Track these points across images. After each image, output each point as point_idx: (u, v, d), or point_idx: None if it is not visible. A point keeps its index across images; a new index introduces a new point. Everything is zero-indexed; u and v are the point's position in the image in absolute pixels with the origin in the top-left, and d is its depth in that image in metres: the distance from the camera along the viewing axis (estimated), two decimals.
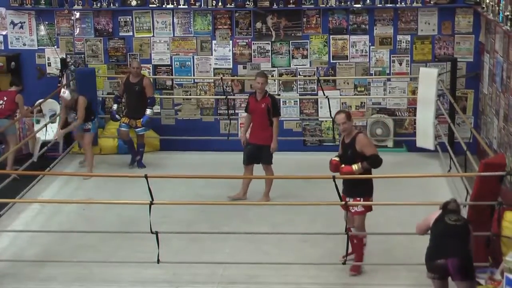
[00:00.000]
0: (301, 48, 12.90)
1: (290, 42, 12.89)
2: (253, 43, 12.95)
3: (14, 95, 11.94)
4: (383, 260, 8.59)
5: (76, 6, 12.92)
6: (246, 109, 10.70)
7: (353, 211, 8.25)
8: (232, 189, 10.50)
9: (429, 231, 7.30)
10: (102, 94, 13.19)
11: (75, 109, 11.59)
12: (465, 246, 7.00)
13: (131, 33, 13.07)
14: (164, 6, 12.85)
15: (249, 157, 10.47)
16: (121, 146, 12.80)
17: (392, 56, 12.80)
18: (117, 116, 12.21)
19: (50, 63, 13.18)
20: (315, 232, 9.11)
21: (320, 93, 12.72)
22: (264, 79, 10.39)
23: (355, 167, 8.19)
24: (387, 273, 8.36)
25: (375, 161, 8.25)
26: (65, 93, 11.49)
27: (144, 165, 12.08)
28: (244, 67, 13.03)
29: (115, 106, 12.24)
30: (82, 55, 13.18)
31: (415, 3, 12.50)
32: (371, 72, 12.87)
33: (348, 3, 12.61)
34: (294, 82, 13.01)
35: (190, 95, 13.21)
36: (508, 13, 9.58)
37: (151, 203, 8.05)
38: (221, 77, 12.90)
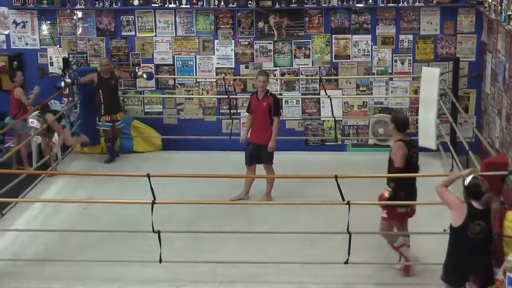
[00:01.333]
0: (303, 48, 12.88)
1: (292, 41, 12.87)
2: (255, 43, 12.93)
3: (13, 92, 11.95)
4: (385, 260, 8.57)
5: (78, 5, 12.92)
6: (248, 108, 10.66)
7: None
8: (235, 188, 10.47)
9: (449, 237, 6.95)
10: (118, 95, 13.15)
11: (50, 130, 11.67)
12: (487, 258, 6.84)
13: (133, 33, 13.06)
14: (166, 5, 12.84)
15: (250, 157, 10.45)
16: (123, 145, 12.80)
17: (394, 56, 12.78)
18: (62, 83, 12.48)
19: (52, 62, 13.17)
20: (317, 231, 9.08)
21: (322, 92, 12.71)
22: (265, 77, 10.36)
23: (386, 193, 8.11)
24: (390, 272, 8.34)
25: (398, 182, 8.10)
26: (34, 123, 11.38)
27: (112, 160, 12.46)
28: (246, 67, 13.00)
29: (69, 80, 12.42)
30: (84, 55, 13.17)
31: (417, 2, 12.48)
32: (373, 71, 12.85)
33: (350, 2, 12.59)
34: (296, 82, 12.99)
35: (192, 94, 13.19)
36: (510, 13, 9.55)
37: (153, 203, 8.04)
38: (223, 77, 12.88)
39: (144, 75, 12.59)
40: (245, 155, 10.51)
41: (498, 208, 6.95)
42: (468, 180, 6.76)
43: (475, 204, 6.69)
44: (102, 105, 12.22)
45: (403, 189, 8.19)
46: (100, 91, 12.19)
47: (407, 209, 8.28)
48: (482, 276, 6.77)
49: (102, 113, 12.23)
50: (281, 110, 11.15)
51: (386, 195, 8.11)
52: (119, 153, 12.75)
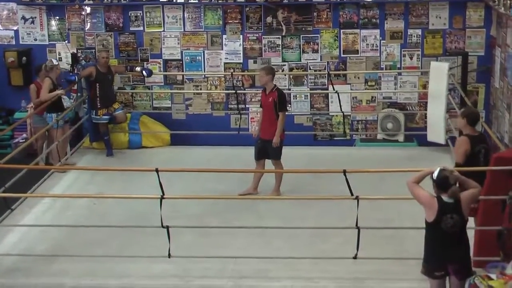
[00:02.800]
0: (311, 43, 12.86)
1: (301, 36, 12.85)
2: (264, 38, 12.91)
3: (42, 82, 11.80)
4: (394, 254, 8.56)
5: (86, 1, 12.95)
6: (261, 104, 10.66)
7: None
8: (243, 183, 10.47)
9: (425, 231, 6.93)
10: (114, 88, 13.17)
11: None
12: (464, 248, 6.87)
13: (141, 28, 13.06)
14: (174, 0, 12.85)
15: (259, 152, 10.45)
16: (132, 141, 12.82)
17: (403, 50, 12.75)
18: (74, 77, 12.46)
19: (61, 58, 13.17)
20: (326, 226, 9.06)
21: (331, 87, 12.68)
22: (263, 72, 10.30)
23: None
24: (399, 267, 8.32)
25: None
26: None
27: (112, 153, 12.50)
28: (255, 62, 12.99)
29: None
30: (93, 50, 13.18)
31: None
32: (381, 66, 12.83)
33: None
34: (305, 77, 12.97)
35: (200, 89, 13.20)
36: None
37: (162, 198, 8.04)
38: (232, 72, 12.88)
39: (144, 72, 12.59)
40: (254, 149, 10.52)
41: (476, 192, 6.88)
42: (435, 173, 6.77)
43: (444, 198, 6.71)
44: (98, 98, 12.24)
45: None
46: (97, 84, 12.23)
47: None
48: (461, 266, 6.79)
49: (99, 107, 12.27)
50: (288, 106, 11.06)
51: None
52: (128, 148, 12.78)
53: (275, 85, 10.43)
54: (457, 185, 6.85)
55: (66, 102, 12.53)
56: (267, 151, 10.38)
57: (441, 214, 6.72)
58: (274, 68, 10.87)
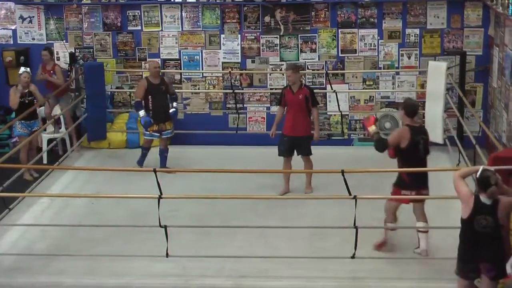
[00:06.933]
0: (309, 42, 12.90)
1: (299, 36, 12.90)
2: (262, 37, 12.96)
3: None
4: (393, 254, 8.62)
5: (84, 0, 12.96)
6: (280, 101, 10.69)
7: None
8: (242, 183, 10.49)
9: (460, 229, 7.08)
10: (111, 88, 13.23)
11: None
12: (497, 249, 6.86)
13: (139, 27, 13.10)
14: (172, 0, 12.87)
15: (289, 149, 10.52)
16: (130, 140, 12.86)
17: (401, 50, 12.80)
18: (150, 119, 11.37)
19: (59, 57, 13.21)
20: (325, 226, 9.10)
21: (329, 87, 12.72)
22: (291, 72, 10.42)
23: (371, 128, 8.58)
24: (398, 267, 8.37)
25: (377, 142, 8.52)
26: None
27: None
28: (253, 61, 13.04)
29: (142, 112, 11.27)
30: (91, 49, 13.22)
31: None
32: (379, 66, 12.88)
33: None
34: (303, 76, 13.00)
35: (198, 89, 13.24)
36: None
37: (159, 197, 8.07)
38: (230, 71, 12.92)
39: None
40: (279, 147, 10.58)
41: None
42: (479, 171, 6.80)
43: (482, 198, 6.73)
44: (151, 112, 11.32)
45: (407, 173, 8.39)
46: (150, 97, 11.35)
47: (411, 193, 8.45)
48: (492, 266, 6.80)
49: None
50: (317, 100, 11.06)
51: (370, 129, 8.59)
52: (126, 147, 12.82)
53: (302, 82, 10.54)
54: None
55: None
56: (297, 147, 10.49)
57: (475, 213, 6.75)
58: (298, 65, 10.97)
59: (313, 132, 10.67)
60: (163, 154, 11.56)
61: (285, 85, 10.88)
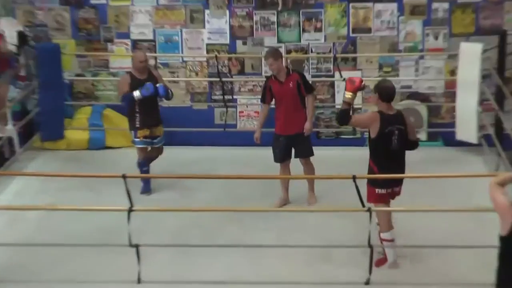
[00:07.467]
0: (313, 20, 12.97)
1: (300, 12, 12.96)
2: (255, 13, 13.02)
3: None
4: (417, 279, 8.66)
5: None
6: (264, 97, 10.58)
7: None
8: (229, 190, 10.58)
9: (499, 247, 7.14)
10: (70, 76, 13.27)
11: None
12: None
13: (104, 1, 13.13)
14: None
15: (284, 152, 10.51)
16: (93, 139, 12.91)
17: (426, 29, 12.88)
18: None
19: (5, 37, 13.24)
20: (331, 243, 9.17)
21: (337, 74, 12.80)
22: (272, 60, 10.29)
23: (348, 94, 8.61)
24: None
25: (341, 112, 8.72)
26: None
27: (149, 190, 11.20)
28: (244, 43, 13.11)
29: (136, 92, 10.72)
30: (45, 28, 13.26)
31: None
32: (399, 48, 12.95)
33: None
34: (306, 61, 13.09)
35: (177, 77, 13.29)
36: None
37: (130, 210, 8.14)
38: (216, 55, 12.97)
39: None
40: (274, 151, 10.55)
41: None
42: None
43: None
44: (138, 115, 10.97)
45: (376, 163, 8.58)
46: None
47: (387, 190, 8.58)
48: None
49: (138, 126, 11.00)
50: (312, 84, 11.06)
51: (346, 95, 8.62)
52: (89, 148, 12.89)
53: (288, 68, 10.56)
54: None
55: (12, 92, 12.59)
56: (295, 149, 10.52)
57: None
58: (278, 49, 10.97)
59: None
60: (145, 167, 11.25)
61: (290, 67, 10.86)
